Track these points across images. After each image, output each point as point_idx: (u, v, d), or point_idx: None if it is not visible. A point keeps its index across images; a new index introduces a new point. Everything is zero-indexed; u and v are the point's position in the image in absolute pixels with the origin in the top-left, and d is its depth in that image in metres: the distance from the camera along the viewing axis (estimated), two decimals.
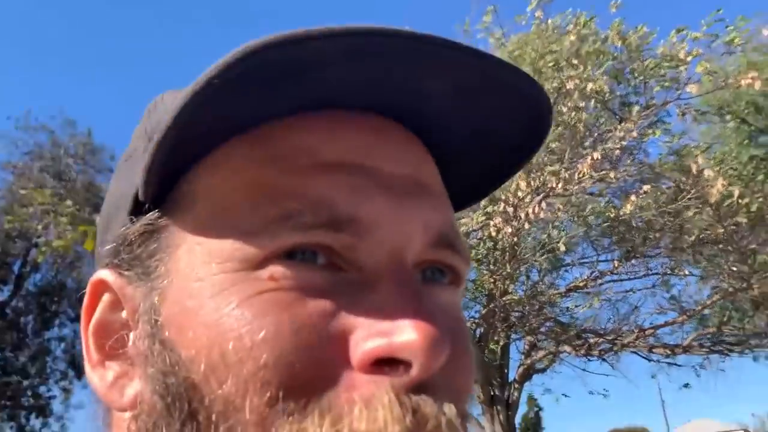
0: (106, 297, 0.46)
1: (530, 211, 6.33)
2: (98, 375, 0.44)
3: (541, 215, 6.45)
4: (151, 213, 0.43)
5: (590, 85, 7.06)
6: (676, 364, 10.24)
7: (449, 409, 0.37)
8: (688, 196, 7.26)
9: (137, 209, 0.44)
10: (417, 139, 0.46)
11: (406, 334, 0.36)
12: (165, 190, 0.43)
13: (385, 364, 0.36)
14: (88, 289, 0.46)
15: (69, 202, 8.72)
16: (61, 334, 16.73)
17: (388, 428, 0.34)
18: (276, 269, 0.38)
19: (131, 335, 0.44)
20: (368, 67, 0.39)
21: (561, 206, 6.91)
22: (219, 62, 0.35)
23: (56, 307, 16.50)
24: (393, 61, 0.39)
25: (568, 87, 7.06)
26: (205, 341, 0.38)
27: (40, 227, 9.13)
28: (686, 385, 10.67)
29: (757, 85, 7.31)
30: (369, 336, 0.37)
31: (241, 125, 0.42)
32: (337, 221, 0.38)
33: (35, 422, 16.24)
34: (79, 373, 16.65)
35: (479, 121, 0.45)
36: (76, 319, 16.70)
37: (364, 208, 0.39)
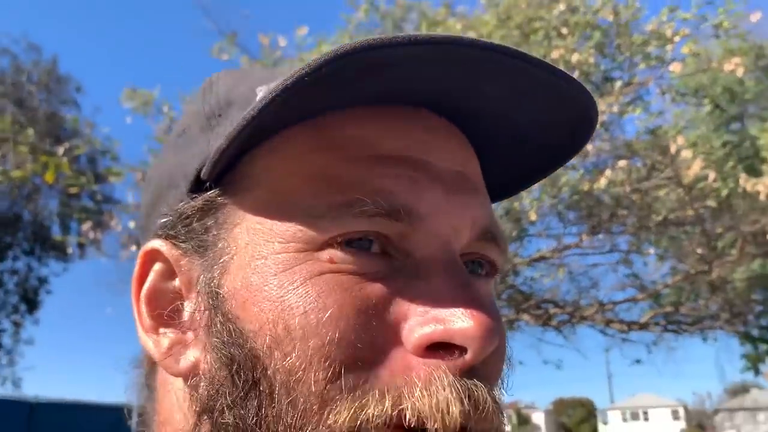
0: (158, 266, 0.48)
1: None
2: (153, 341, 0.46)
3: None
4: (212, 191, 0.45)
5: (575, 56, 6.98)
6: (629, 340, 10.46)
7: (496, 393, 0.40)
8: (662, 176, 7.29)
9: (196, 186, 0.46)
10: (463, 136, 0.48)
11: (462, 321, 0.38)
12: (224, 170, 0.45)
13: (439, 348, 0.39)
14: (139, 257, 0.48)
15: (30, 131, 8.37)
16: (14, 267, 16.34)
17: (450, 409, 0.37)
18: (335, 253, 0.41)
19: (185, 304, 0.47)
20: (431, 70, 0.41)
21: None
22: (311, 62, 0.37)
23: (10, 239, 16.03)
24: (454, 66, 0.41)
25: (553, 56, 6.96)
26: (270, 316, 0.40)
27: None
28: (638, 361, 10.93)
29: (740, 71, 7.32)
30: (425, 321, 0.39)
31: (302, 114, 0.43)
32: (396, 211, 0.41)
33: None
34: (31, 307, 16.35)
35: (525, 123, 0.47)
36: (31, 252, 16.31)
37: (421, 200, 0.42)
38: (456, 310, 0.39)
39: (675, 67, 7.53)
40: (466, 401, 0.37)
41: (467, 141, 0.49)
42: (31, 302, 16.25)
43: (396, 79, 0.42)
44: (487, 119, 0.48)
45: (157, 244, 0.48)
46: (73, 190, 8.25)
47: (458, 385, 0.38)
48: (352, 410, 0.37)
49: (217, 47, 8.19)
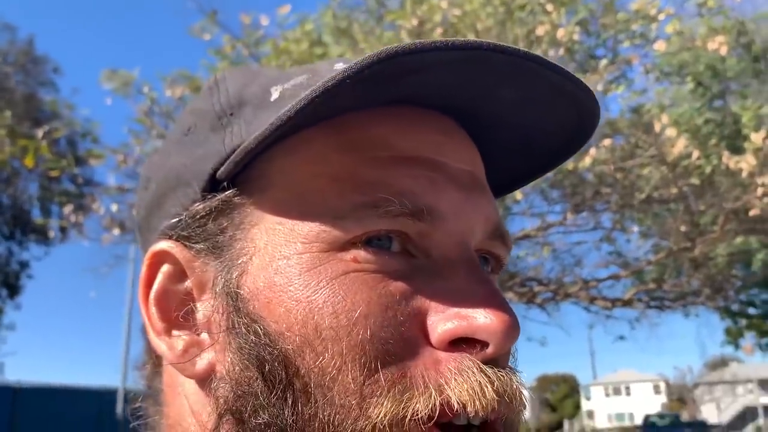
0: (167, 267, 0.47)
1: None
2: (166, 343, 0.46)
3: None
4: (229, 191, 0.45)
5: (560, 32, 6.94)
6: (613, 317, 10.57)
7: (517, 379, 0.42)
8: (646, 154, 7.32)
9: (210, 186, 0.46)
10: (468, 137, 0.49)
11: (485, 317, 0.40)
12: (240, 169, 0.45)
13: (462, 342, 0.41)
14: (147, 259, 0.48)
15: (8, 114, 8.21)
16: None
17: (484, 391, 0.39)
18: (358, 252, 0.41)
19: (198, 306, 0.46)
20: (458, 74, 0.42)
21: None
22: (353, 65, 0.38)
23: None
24: (481, 71, 0.42)
25: (538, 32, 6.93)
26: (299, 316, 0.41)
27: None
28: (621, 338, 11.07)
29: (723, 50, 7.34)
30: (448, 317, 0.41)
31: (325, 115, 0.43)
32: (420, 211, 0.42)
33: None
34: (12, 293, 16.18)
35: (531, 126, 0.49)
36: (11, 236, 16.11)
37: (441, 200, 0.43)
38: (478, 306, 0.40)
39: (659, 46, 7.54)
40: (496, 385, 0.39)
41: (472, 141, 0.50)
42: (12, 287, 16.06)
43: (422, 83, 0.43)
44: (492, 121, 0.49)
45: (165, 245, 0.47)
46: (54, 173, 8.12)
47: (488, 372, 0.40)
48: (397, 404, 0.38)
49: (198, 26, 8.05)
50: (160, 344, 0.46)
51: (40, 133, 7.21)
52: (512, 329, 0.40)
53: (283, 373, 0.40)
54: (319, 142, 0.44)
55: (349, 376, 0.39)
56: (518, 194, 7.38)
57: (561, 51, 7.27)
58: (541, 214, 9.41)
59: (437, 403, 0.38)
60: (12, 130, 7.96)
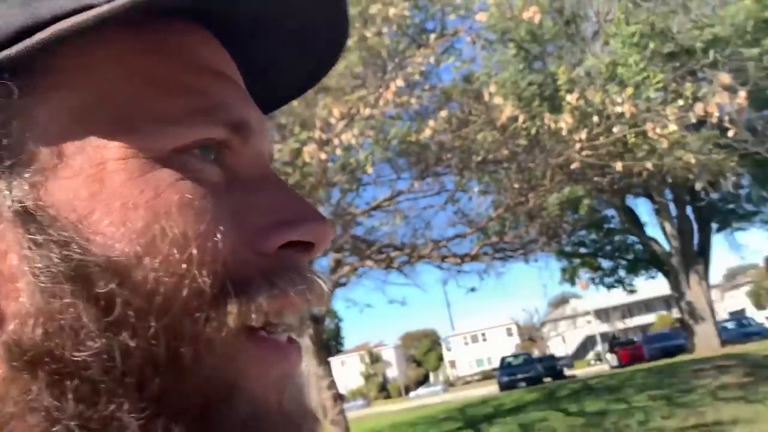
0: None
1: (343, 137, 6.53)
2: None
3: (353, 141, 6.68)
4: (10, 81, 0.36)
5: (392, 10, 7.26)
6: (463, 271, 11.37)
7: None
8: (479, 120, 7.92)
9: None
10: None
11: (309, 222, 0.41)
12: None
13: (289, 246, 0.40)
14: None
15: None
16: None
17: (321, 290, 0.41)
18: (186, 159, 0.38)
19: None
20: None
21: (371, 132, 7.19)
22: None
23: None
24: None
25: (371, 11, 7.21)
26: (139, 223, 0.36)
27: None
28: (472, 289, 11.94)
29: (537, 18, 8.04)
30: (277, 224, 0.40)
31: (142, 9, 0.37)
32: (241, 123, 0.40)
33: None
34: None
35: (294, 27, 0.45)
36: None
37: (252, 116, 0.42)
38: (299, 213, 0.41)
39: (481, 17, 8.10)
40: (325, 285, 0.42)
41: None
42: None
43: None
44: (252, 31, 0.45)
45: None
46: None
47: (319, 275, 0.42)
48: (245, 307, 0.37)
49: None
50: None
51: None
52: (331, 230, 0.43)
53: (121, 288, 0.35)
54: (122, 43, 0.39)
55: (199, 282, 0.36)
56: (369, 169, 7.71)
57: (394, 27, 7.62)
58: (391, 182, 9.88)
59: (276, 304, 0.39)
60: None
